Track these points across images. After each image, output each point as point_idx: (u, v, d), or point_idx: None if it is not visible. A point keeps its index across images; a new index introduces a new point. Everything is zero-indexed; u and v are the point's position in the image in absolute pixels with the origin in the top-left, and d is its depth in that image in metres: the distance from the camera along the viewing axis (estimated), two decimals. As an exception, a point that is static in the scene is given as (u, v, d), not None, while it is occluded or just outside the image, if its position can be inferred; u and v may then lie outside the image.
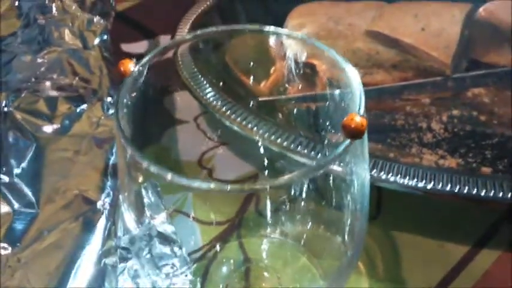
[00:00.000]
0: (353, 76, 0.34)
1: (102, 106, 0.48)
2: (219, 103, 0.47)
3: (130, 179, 0.33)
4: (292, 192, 0.39)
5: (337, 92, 0.37)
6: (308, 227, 0.42)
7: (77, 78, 0.50)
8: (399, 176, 0.43)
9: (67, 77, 0.50)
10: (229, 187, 0.30)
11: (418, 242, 0.45)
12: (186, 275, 0.35)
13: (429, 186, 0.42)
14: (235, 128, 0.46)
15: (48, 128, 0.46)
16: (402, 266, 0.44)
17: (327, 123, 0.41)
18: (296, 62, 0.42)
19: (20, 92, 0.48)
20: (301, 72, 0.43)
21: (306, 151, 0.44)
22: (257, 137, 0.45)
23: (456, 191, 0.42)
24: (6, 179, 0.43)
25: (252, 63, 0.48)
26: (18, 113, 0.46)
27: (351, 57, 0.54)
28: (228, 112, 0.46)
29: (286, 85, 0.46)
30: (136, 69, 0.34)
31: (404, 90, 0.54)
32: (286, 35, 0.39)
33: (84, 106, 0.48)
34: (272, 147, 0.45)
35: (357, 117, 0.30)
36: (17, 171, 0.43)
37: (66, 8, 0.55)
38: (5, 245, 0.39)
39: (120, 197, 0.35)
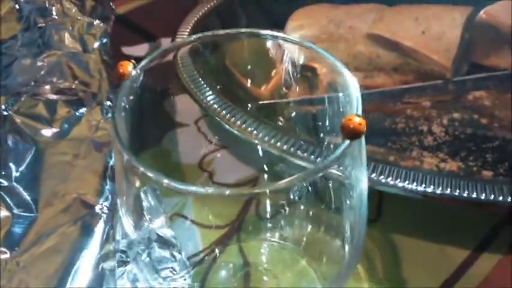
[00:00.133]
0: (350, 79, 0.33)
1: (101, 110, 0.48)
2: (219, 106, 0.47)
3: (128, 184, 0.33)
4: (292, 196, 0.39)
5: (336, 95, 0.37)
6: (307, 230, 0.42)
7: (76, 81, 0.50)
8: (399, 179, 0.43)
9: (67, 81, 0.50)
10: (227, 192, 0.30)
11: (419, 246, 0.45)
12: (185, 279, 0.35)
13: (429, 190, 0.42)
14: (235, 131, 0.46)
15: (47, 132, 0.46)
16: (402, 270, 0.43)
17: (327, 127, 0.41)
18: (296, 66, 0.42)
19: (19, 95, 0.48)
20: (302, 75, 0.43)
21: (305, 154, 0.44)
22: (257, 141, 0.45)
23: (456, 194, 0.42)
24: (5, 182, 0.42)
25: (252, 67, 0.48)
26: (17, 117, 0.46)
27: (351, 61, 0.55)
28: (228, 115, 0.46)
29: (286, 88, 0.46)
30: (135, 71, 0.34)
31: (405, 94, 0.53)
32: (284, 39, 0.39)
33: (84, 110, 0.48)
34: (272, 151, 0.44)
35: (356, 118, 0.30)
36: (16, 175, 0.43)
37: (66, 11, 0.55)
38: (4, 249, 0.39)
39: (118, 201, 0.35)
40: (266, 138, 0.45)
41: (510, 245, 0.45)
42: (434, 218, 0.46)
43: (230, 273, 0.42)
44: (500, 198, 0.42)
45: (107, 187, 0.43)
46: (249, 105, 0.48)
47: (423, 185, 0.43)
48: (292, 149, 0.44)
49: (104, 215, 0.41)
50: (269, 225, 0.43)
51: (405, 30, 0.54)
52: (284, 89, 0.46)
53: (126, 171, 0.32)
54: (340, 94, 0.35)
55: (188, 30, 0.58)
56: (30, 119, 0.46)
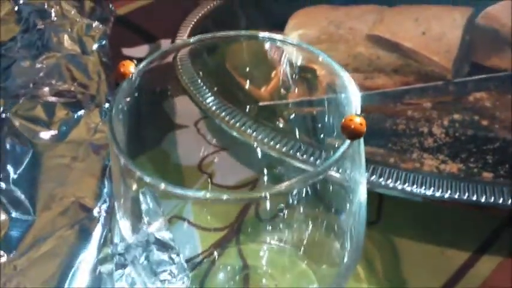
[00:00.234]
0: (348, 80, 0.33)
1: (100, 112, 0.48)
2: (219, 108, 0.47)
3: (125, 187, 0.33)
4: (291, 198, 0.39)
5: (336, 96, 0.37)
6: (307, 232, 0.41)
7: (75, 83, 0.50)
8: (399, 182, 0.43)
9: (65, 83, 0.50)
10: (225, 196, 0.30)
11: (419, 248, 0.45)
12: (183, 282, 0.35)
13: (429, 193, 0.42)
14: (235, 133, 0.46)
15: (45, 134, 0.46)
16: (402, 272, 0.43)
17: (327, 128, 0.41)
18: (296, 67, 0.42)
19: (18, 97, 0.48)
20: (301, 77, 0.43)
21: (305, 156, 0.44)
22: (256, 143, 0.45)
23: (456, 197, 0.42)
24: (2, 185, 0.42)
25: (251, 68, 0.48)
26: (15, 119, 0.46)
27: (351, 62, 0.55)
28: (228, 117, 0.46)
29: (286, 90, 0.46)
30: (135, 72, 0.34)
31: (406, 95, 0.53)
32: (282, 41, 0.39)
33: (82, 112, 0.48)
34: (271, 153, 0.44)
35: (357, 117, 0.31)
36: (13, 177, 0.43)
37: (65, 13, 0.55)
38: (1, 252, 0.39)
39: (115, 204, 0.35)
40: (265, 140, 0.45)
41: (511, 248, 0.45)
42: (434, 220, 0.46)
43: (229, 276, 0.41)
44: (501, 201, 0.42)
45: (105, 190, 0.42)
46: (248, 106, 0.48)
47: (423, 187, 0.43)
48: (291, 151, 0.44)
49: (102, 218, 0.41)
50: (268, 227, 0.42)
51: (405, 31, 0.54)
52: (283, 90, 0.46)
53: (123, 174, 0.32)
54: (340, 95, 0.35)
55: (188, 31, 0.57)
56: (28, 121, 0.46)
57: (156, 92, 0.42)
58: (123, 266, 0.37)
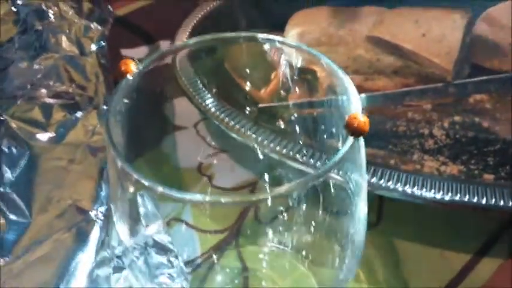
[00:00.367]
0: (348, 82, 0.33)
1: (97, 114, 0.48)
2: (218, 110, 0.47)
3: (123, 190, 0.32)
4: (292, 201, 0.39)
5: (337, 98, 0.36)
6: (307, 235, 0.41)
7: (73, 85, 0.50)
8: (399, 183, 0.43)
9: (63, 84, 0.50)
10: (223, 199, 0.29)
11: (419, 250, 0.45)
12: (182, 285, 0.35)
13: (429, 195, 0.42)
14: (234, 135, 0.46)
15: (42, 136, 0.46)
16: (403, 274, 0.43)
17: (327, 130, 0.41)
18: (296, 69, 0.42)
19: (15, 99, 0.48)
20: (301, 78, 0.43)
21: (305, 159, 0.43)
22: (256, 144, 0.45)
23: (457, 199, 0.42)
24: (-1, 188, 0.42)
25: (251, 70, 0.48)
26: (12, 121, 0.46)
27: (351, 64, 0.54)
28: (227, 119, 0.46)
29: (286, 92, 0.46)
30: (134, 70, 0.34)
31: (406, 97, 0.53)
32: (282, 42, 0.38)
33: (80, 114, 0.47)
34: (271, 155, 0.44)
35: (360, 115, 0.31)
36: (10, 180, 0.42)
37: (63, 14, 0.55)
38: (-3, 255, 0.39)
39: (112, 207, 0.35)
40: (265, 142, 0.45)
41: (511, 250, 0.45)
42: (435, 222, 0.46)
43: (228, 278, 0.41)
44: (501, 203, 0.42)
45: (103, 193, 0.42)
46: (248, 108, 0.48)
47: (424, 189, 0.43)
48: (291, 153, 0.44)
49: (99, 221, 0.40)
50: (268, 230, 0.42)
51: (405, 33, 0.54)
52: (283, 92, 0.46)
53: (120, 177, 0.31)
54: (340, 97, 0.35)
55: (188, 32, 0.57)
56: (25, 123, 0.46)
57: (155, 93, 0.42)
58: (121, 269, 0.36)
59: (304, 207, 0.39)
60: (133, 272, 0.35)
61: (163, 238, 0.35)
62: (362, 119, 0.31)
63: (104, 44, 0.54)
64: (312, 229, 0.40)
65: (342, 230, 0.37)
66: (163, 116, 0.46)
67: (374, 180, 0.43)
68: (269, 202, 0.31)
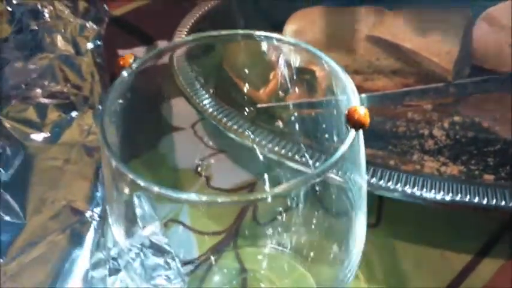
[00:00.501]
0: (348, 82, 0.33)
1: (93, 114, 0.48)
2: (216, 110, 0.47)
3: (117, 191, 0.32)
4: (290, 201, 0.39)
5: (336, 98, 0.36)
6: (306, 236, 0.41)
7: (68, 84, 0.50)
8: (399, 184, 0.43)
9: (58, 84, 0.50)
10: (220, 199, 0.29)
11: (419, 251, 0.45)
12: (179, 287, 0.35)
13: (429, 195, 0.42)
14: (232, 135, 0.45)
15: (37, 136, 0.46)
16: (402, 275, 0.43)
17: (326, 130, 0.40)
18: (294, 68, 0.41)
19: (9, 99, 0.48)
20: (300, 78, 0.42)
21: (303, 159, 0.43)
22: (254, 145, 0.44)
23: (457, 199, 0.42)
24: (-7, 189, 0.42)
25: (249, 69, 0.47)
26: (7, 122, 0.46)
27: (351, 63, 0.54)
28: (225, 119, 0.46)
29: (285, 92, 0.45)
30: (133, 65, 0.34)
31: (406, 96, 0.53)
32: (280, 40, 0.38)
33: (75, 113, 0.48)
34: (269, 155, 0.44)
35: (360, 108, 0.31)
36: (4, 181, 0.42)
37: (58, 13, 0.55)
38: (-9, 257, 0.38)
39: (107, 209, 0.35)
40: (264, 143, 0.45)
41: (512, 250, 0.45)
42: (435, 222, 0.46)
43: (227, 280, 0.41)
44: (502, 203, 0.41)
45: (98, 193, 0.42)
46: (247, 108, 0.48)
47: (424, 190, 0.42)
48: (290, 153, 0.44)
49: (95, 222, 0.40)
50: (267, 230, 0.42)
51: (405, 33, 0.54)
52: (282, 92, 0.45)
53: (115, 178, 0.31)
54: (339, 97, 0.35)
55: (185, 32, 0.57)
56: (20, 123, 0.46)
57: (151, 93, 0.42)
58: (117, 271, 0.36)
59: (303, 207, 0.39)
60: (129, 274, 0.34)
61: (160, 239, 0.34)
62: (363, 111, 0.30)
63: (99, 43, 0.55)
64: (312, 229, 0.40)
65: (342, 230, 0.37)
66: (160, 116, 0.45)
67: (374, 180, 0.43)
68: (267, 201, 0.31)
